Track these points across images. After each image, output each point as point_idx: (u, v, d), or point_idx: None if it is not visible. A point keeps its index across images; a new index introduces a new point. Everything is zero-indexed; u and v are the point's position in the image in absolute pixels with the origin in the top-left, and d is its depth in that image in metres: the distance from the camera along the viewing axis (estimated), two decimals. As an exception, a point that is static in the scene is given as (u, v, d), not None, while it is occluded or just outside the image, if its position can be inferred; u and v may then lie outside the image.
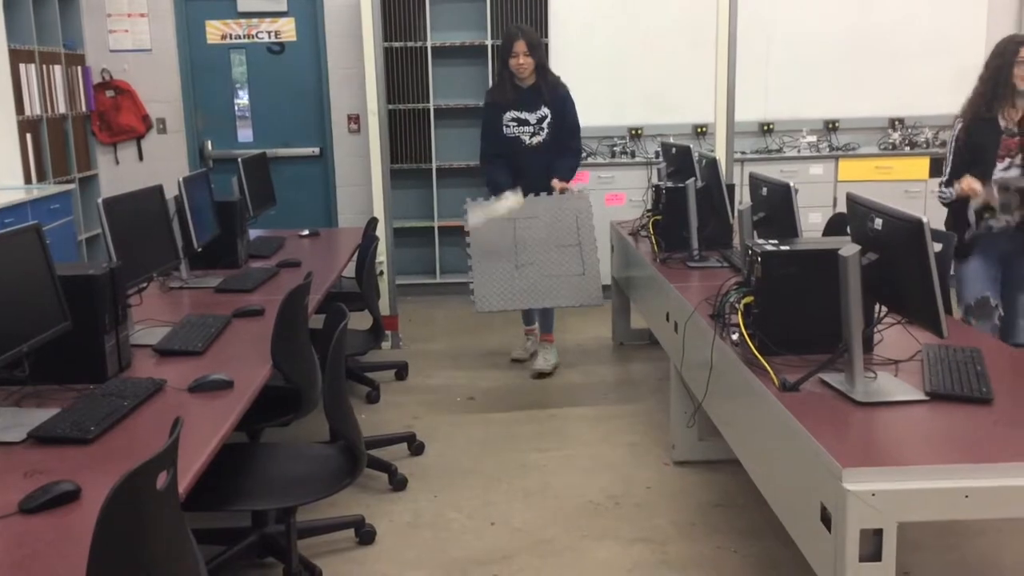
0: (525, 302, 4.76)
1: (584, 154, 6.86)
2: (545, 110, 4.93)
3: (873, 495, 1.97)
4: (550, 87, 4.95)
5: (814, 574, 2.21)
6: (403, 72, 6.80)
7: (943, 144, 6.10)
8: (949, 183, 3.92)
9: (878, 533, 1.99)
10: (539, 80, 4.92)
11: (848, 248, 2.39)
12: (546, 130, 4.95)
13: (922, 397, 2.39)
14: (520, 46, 4.83)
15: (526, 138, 4.95)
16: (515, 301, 4.72)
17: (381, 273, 5.56)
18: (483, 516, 3.49)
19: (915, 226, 2.24)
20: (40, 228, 2.42)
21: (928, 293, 2.24)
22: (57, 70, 6.36)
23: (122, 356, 2.63)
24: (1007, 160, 3.79)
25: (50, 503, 1.78)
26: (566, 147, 5.02)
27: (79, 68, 6.71)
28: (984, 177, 3.78)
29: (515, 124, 4.96)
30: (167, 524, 1.62)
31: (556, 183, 4.86)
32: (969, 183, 3.78)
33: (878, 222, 2.41)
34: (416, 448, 4.09)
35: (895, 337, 2.78)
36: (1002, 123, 3.81)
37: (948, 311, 2.42)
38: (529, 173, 4.88)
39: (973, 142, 3.84)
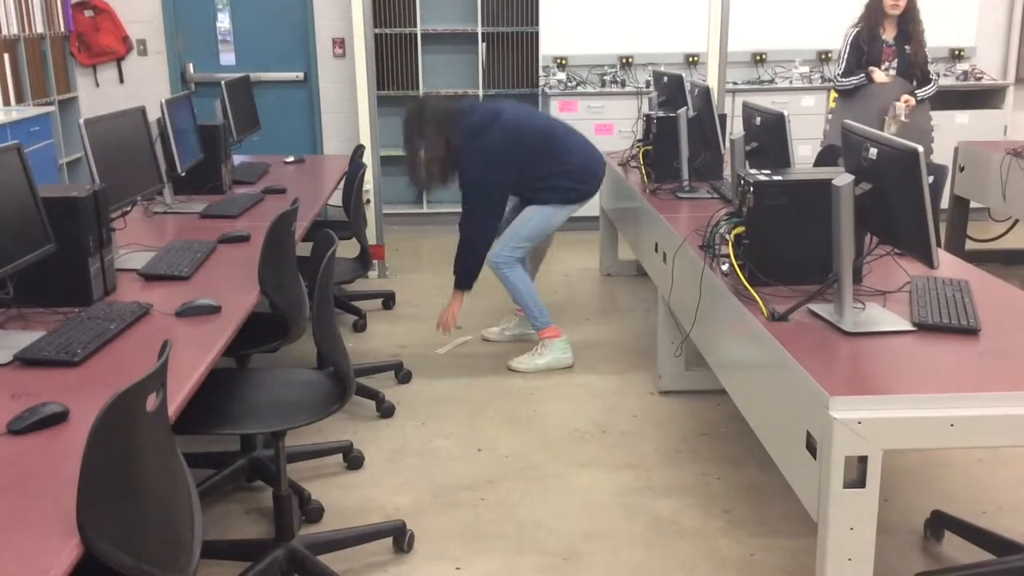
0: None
1: (574, 83, 6.79)
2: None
3: (859, 423, 1.99)
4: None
5: (796, 500, 2.25)
6: (390, -5, 6.64)
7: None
8: (846, 74, 5.09)
9: (863, 460, 2.02)
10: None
11: (842, 178, 2.37)
12: None
13: (910, 327, 2.40)
14: None
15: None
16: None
17: (368, 202, 5.51)
18: (470, 443, 3.52)
19: (910, 156, 2.22)
20: (21, 148, 2.37)
21: (921, 223, 2.23)
22: (33, -12, 6.17)
23: (107, 280, 2.60)
24: (885, 63, 5.00)
25: (38, 424, 1.77)
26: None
27: (56, -14, 6.52)
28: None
29: None
30: (158, 446, 1.61)
31: None
32: (878, 74, 4.98)
33: (872, 152, 2.39)
34: (403, 376, 4.11)
35: (884, 268, 2.79)
36: (883, 35, 5.00)
37: (939, 243, 2.42)
38: None
39: (863, 48, 5.03)
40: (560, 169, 4.14)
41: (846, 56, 5.10)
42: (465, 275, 4.19)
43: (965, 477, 3.20)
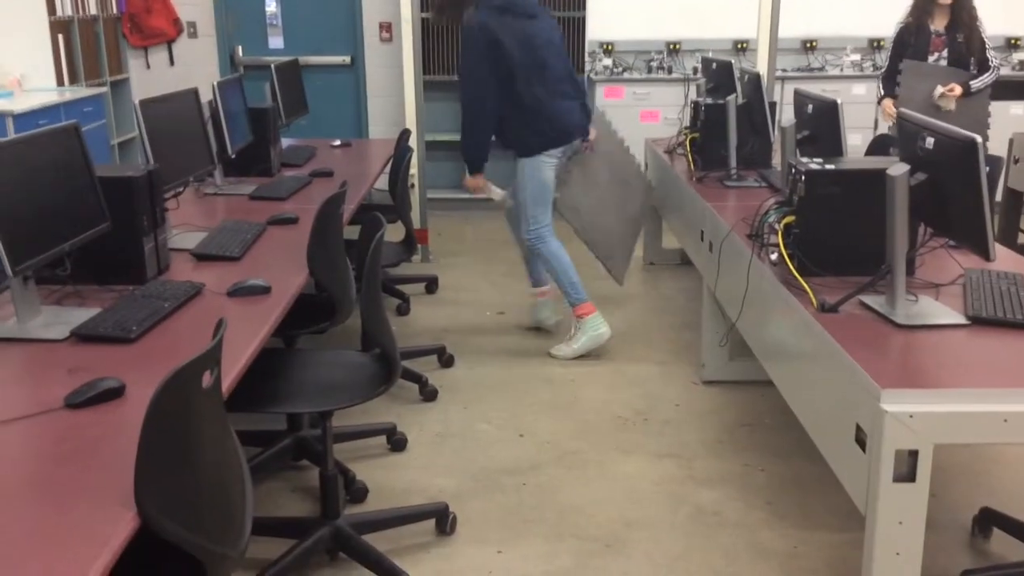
0: (635, 233, 4.85)
1: (620, 68, 6.74)
2: None
3: (911, 416, 1.96)
4: None
5: (841, 494, 2.23)
6: (437, -20, 6.64)
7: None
8: (887, 76, 5.11)
9: (913, 455, 1.99)
10: None
11: (897, 168, 2.34)
12: None
13: (963, 321, 2.36)
14: None
15: None
16: (631, 240, 4.80)
17: (412, 186, 5.53)
18: (512, 427, 3.53)
19: (969, 146, 2.18)
20: (79, 127, 2.41)
21: (978, 215, 2.19)
22: (87, -30, 6.27)
23: (160, 259, 2.65)
24: (936, 54, 4.94)
25: (95, 399, 1.81)
26: None
27: (109, -31, 6.62)
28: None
29: None
30: (212, 422, 1.64)
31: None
32: (887, 105, 5.04)
33: (929, 141, 2.34)
34: (446, 360, 4.13)
35: (937, 261, 2.74)
36: (932, 27, 4.92)
37: (994, 235, 2.37)
38: None
39: (907, 42, 4.99)
40: (532, 103, 4.04)
41: (890, 54, 5.13)
42: (471, 160, 4.17)
43: (1016, 474, 3.15)
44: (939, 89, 4.83)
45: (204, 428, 1.59)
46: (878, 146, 4.77)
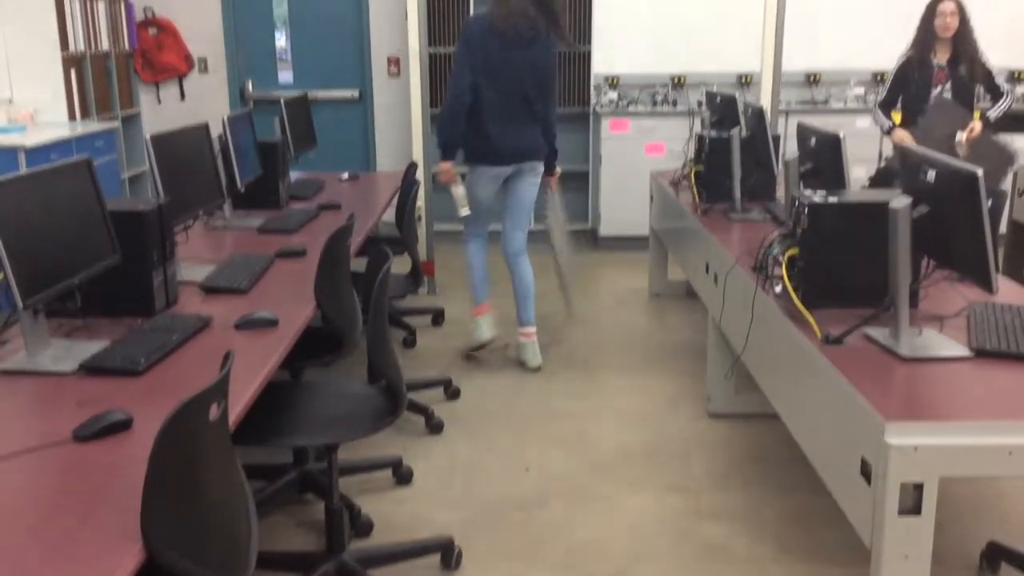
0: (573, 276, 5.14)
1: (625, 102, 6.80)
2: None
3: (915, 449, 1.96)
4: None
5: (847, 528, 2.22)
6: (445, 15, 6.74)
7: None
8: (884, 105, 5.19)
9: (918, 487, 1.99)
10: None
11: (899, 200, 2.35)
12: None
13: (967, 353, 2.36)
14: None
15: None
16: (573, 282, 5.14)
17: (419, 218, 5.57)
18: (518, 461, 3.53)
19: (970, 179, 2.20)
20: (91, 162, 2.44)
21: (980, 247, 2.20)
22: (101, 7, 6.37)
23: (169, 292, 2.67)
24: (939, 87, 5.03)
25: (103, 432, 1.82)
26: None
27: (122, 5, 6.72)
28: (919, 100, 5.05)
29: None
30: (219, 455, 1.65)
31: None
32: (902, 136, 5.01)
33: (931, 174, 2.36)
34: (452, 393, 4.13)
35: (941, 293, 2.75)
36: (934, 60, 5.01)
37: (997, 268, 2.38)
38: None
39: (910, 75, 5.08)
40: (477, 116, 4.23)
41: (888, 85, 5.21)
42: (441, 144, 4.34)
43: (1023, 507, 3.13)
44: (960, 135, 4.88)
45: (211, 461, 1.60)
46: (882, 179, 4.80)
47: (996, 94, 5.06)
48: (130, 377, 2.12)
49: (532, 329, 4.50)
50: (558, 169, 4.62)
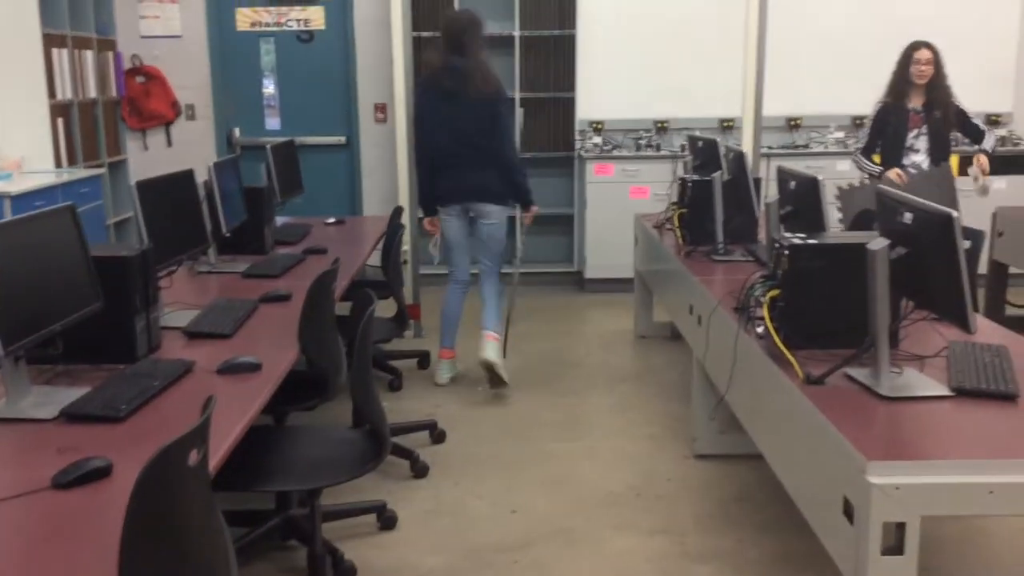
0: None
1: (610, 146, 6.88)
2: None
3: (897, 488, 1.97)
4: None
5: (832, 569, 2.21)
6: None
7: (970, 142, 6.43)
8: (865, 151, 5.31)
9: (901, 527, 1.99)
10: None
11: (877, 242, 2.39)
12: None
13: (947, 392, 2.38)
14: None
15: None
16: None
17: (405, 262, 5.58)
18: (504, 504, 3.51)
19: (945, 220, 2.23)
20: (75, 209, 2.45)
21: (957, 288, 2.23)
22: (89, 55, 6.42)
23: (152, 337, 2.67)
24: (915, 130, 5.16)
25: (83, 478, 1.81)
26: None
27: (110, 54, 6.78)
28: (896, 145, 5.19)
29: None
30: (198, 501, 1.64)
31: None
32: (897, 173, 5.12)
33: (907, 216, 2.40)
34: (437, 436, 4.12)
35: (921, 333, 2.77)
36: (909, 105, 5.17)
37: (975, 308, 2.41)
38: None
39: (887, 120, 5.22)
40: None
41: (868, 131, 5.33)
42: (420, 204, 4.95)
43: (1008, 546, 3.13)
44: (974, 170, 5.07)
45: (190, 507, 1.60)
46: (862, 221, 4.86)
47: (975, 132, 5.18)
48: (111, 423, 2.11)
49: (492, 333, 4.76)
50: (534, 207, 4.89)
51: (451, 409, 4.49)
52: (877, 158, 5.30)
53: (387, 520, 3.33)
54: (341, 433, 2.71)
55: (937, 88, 5.10)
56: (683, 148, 6.43)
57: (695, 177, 4.50)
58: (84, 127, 6.34)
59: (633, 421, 4.33)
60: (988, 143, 5.17)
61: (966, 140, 5.30)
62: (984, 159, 5.08)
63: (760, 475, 3.65)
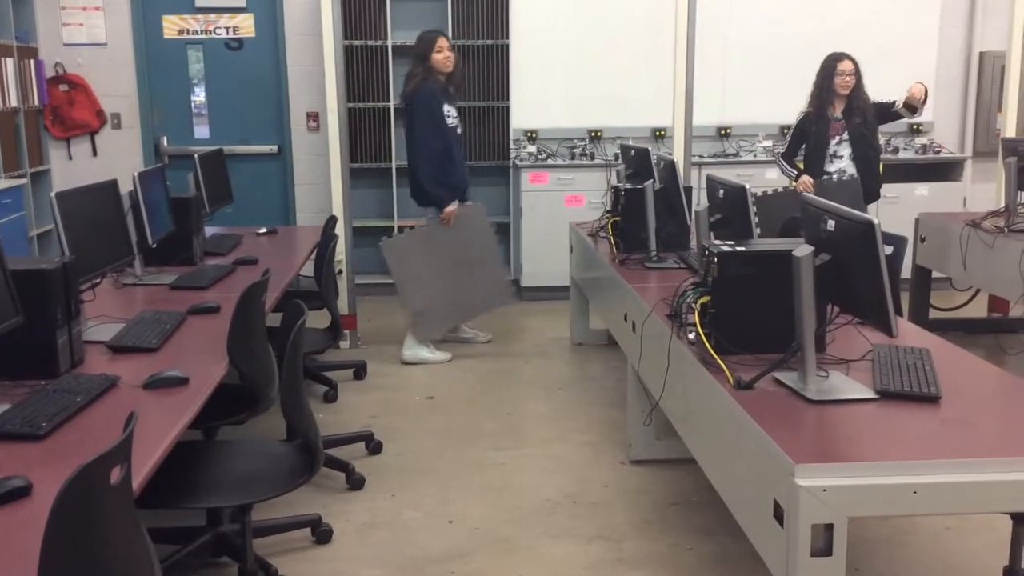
0: (461, 317, 5.51)
1: (544, 155, 6.91)
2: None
3: (824, 491, 2.01)
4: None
5: (766, 571, 2.25)
6: (363, 70, 6.78)
7: (896, 150, 6.75)
8: (786, 156, 5.56)
9: (829, 528, 2.03)
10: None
11: (801, 249, 2.44)
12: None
13: (872, 395, 2.44)
14: (445, 41, 5.20)
15: (458, 130, 5.31)
16: (454, 318, 5.49)
17: (340, 272, 5.53)
18: (441, 515, 3.49)
19: (866, 227, 2.29)
20: (-9, 221, 2.38)
21: (879, 294, 2.28)
22: (9, 63, 6.23)
23: (74, 352, 2.59)
24: (837, 137, 5.37)
25: (0, 499, 1.75)
26: None
27: (32, 61, 6.58)
28: (819, 152, 5.40)
29: (451, 117, 5.23)
30: (121, 520, 1.60)
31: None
32: (806, 183, 5.34)
33: (831, 223, 2.45)
34: (374, 447, 4.08)
35: (847, 337, 2.83)
36: (831, 114, 5.36)
37: (899, 312, 2.48)
38: (463, 167, 5.38)
39: (809, 130, 5.42)
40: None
41: (790, 138, 5.57)
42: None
43: (934, 546, 3.21)
44: (918, 87, 5.21)
45: (112, 527, 1.55)
46: (790, 228, 4.95)
47: (889, 108, 5.36)
48: (31, 442, 2.05)
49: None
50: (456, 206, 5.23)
51: (388, 420, 4.45)
52: (801, 164, 5.45)
53: (322, 534, 3.28)
54: (272, 447, 2.67)
55: (857, 97, 5.31)
56: (616, 157, 6.49)
57: (628, 186, 4.54)
58: (5, 136, 6.14)
59: (570, 428, 4.34)
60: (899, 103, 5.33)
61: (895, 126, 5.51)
62: (919, 85, 5.22)
63: (695, 479, 3.69)
